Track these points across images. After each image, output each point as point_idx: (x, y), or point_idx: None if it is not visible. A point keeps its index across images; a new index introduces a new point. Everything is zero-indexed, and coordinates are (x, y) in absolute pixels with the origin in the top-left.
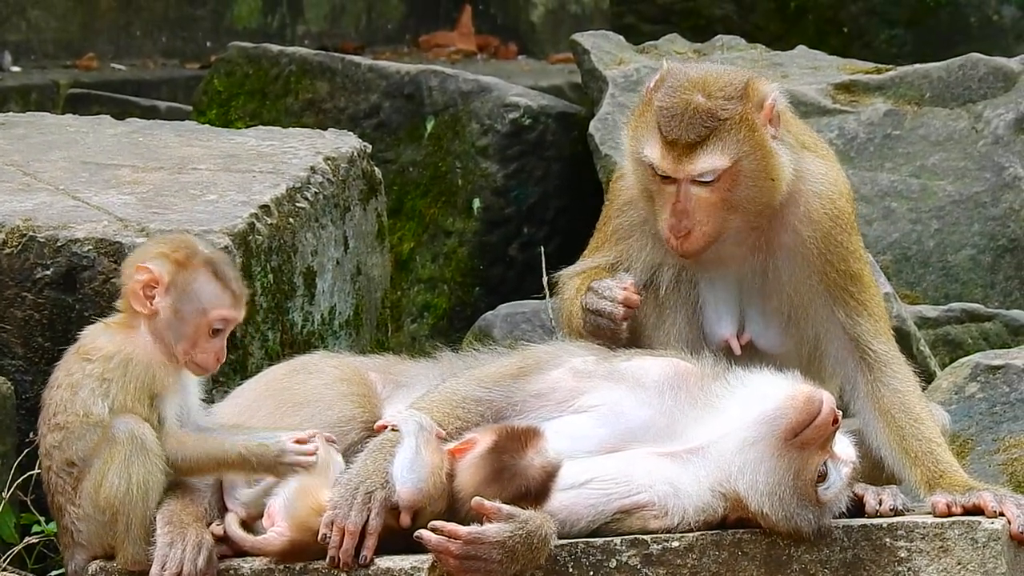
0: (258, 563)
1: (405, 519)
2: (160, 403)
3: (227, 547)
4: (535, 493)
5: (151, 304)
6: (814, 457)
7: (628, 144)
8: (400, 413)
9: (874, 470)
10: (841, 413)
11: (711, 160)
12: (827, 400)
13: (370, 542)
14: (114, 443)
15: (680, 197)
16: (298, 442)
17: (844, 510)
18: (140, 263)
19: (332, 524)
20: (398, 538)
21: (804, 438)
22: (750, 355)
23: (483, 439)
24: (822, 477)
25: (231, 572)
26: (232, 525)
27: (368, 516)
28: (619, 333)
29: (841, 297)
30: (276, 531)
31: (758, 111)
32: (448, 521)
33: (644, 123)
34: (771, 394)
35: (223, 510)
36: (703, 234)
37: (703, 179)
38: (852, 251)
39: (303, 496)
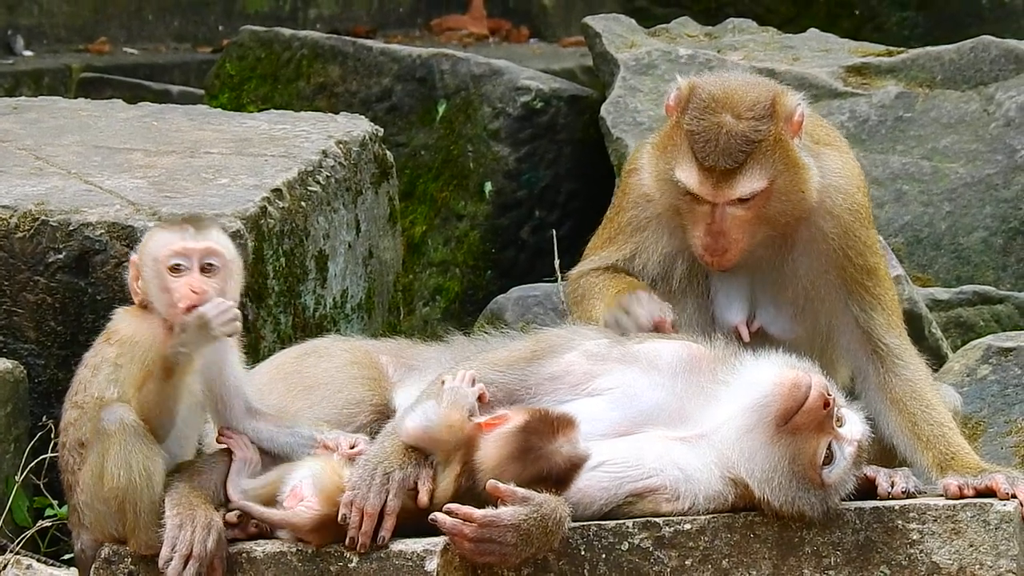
0: (271, 547)
1: (423, 495)
2: None
3: (238, 531)
4: (556, 479)
5: (138, 291)
6: (811, 441)
7: (655, 162)
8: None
9: (886, 455)
10: (834, 397)
11: (749, 184)
12: (816, 384)
13: (388, 523)
14: (106, 435)
15: (715, 218)
16: None
17: (851, 491)
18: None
19: (352, 504)
20: (414, 519)
21: (795, 424)
22: (763, 341)
23: (515, 416)
24: (827, 459)
25: (243, 556)
26: (251, 504)
27: (386, 497)
28: None
29: (856, 291)
30: (306, 505)
31: (787, 126)
32: (469, 495)
33: (674, 144)
34: (761, 380)
35: (227, 498)
36: (738, 250)
37: (740, 199)
38: (869, 245)
39: (330, 473)
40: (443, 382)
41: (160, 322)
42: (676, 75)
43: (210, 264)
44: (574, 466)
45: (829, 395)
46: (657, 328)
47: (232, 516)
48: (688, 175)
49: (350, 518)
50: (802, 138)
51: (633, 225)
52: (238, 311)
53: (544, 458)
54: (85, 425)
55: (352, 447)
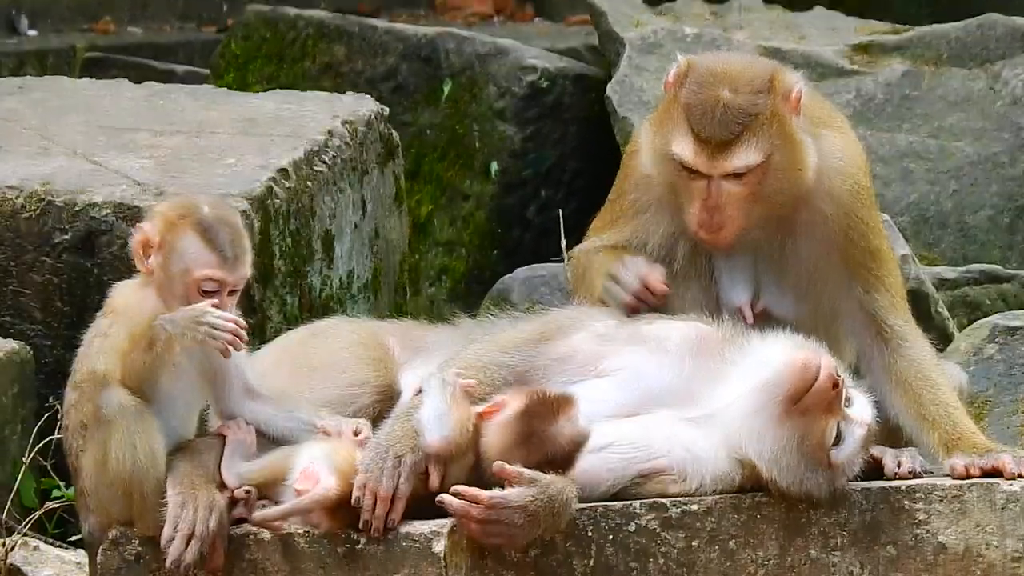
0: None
1: (434, 479)
2: None
3: (244, 510)
4: (560, 461)
5: (147, 263)
6: (819, 422)
7: (652, 138)
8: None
9: (891, 436)
10: (843, 378)
11: (744, 157)
12: (825, 365)
13: (398, 506)
14: (107, 422)
15: (711, 193)
16: None
17: (859, 472)
18: (142, 223)
19: (365, 487)
20: (421, 502)
21: (804, 405)
22: (768, 322)
23: (513, 402)
24: (835, 440)
25: (250, 538)
26: (268, 512)
27: (398, 481)
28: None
29: (860, 273)
30: (325, 486)
31: (785, 103)
32: (477, 479)
33: (671, 118)
34: (770, 361)
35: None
36: (734, 227)
37: (735, 174)
38: (872, 227)
39: (344, 453)
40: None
41: (154, 296)
42: (680, 54)
43: (236, 289)
44: (577, 445)
45: (838, 376)
46: (647, 288)
47: (240, 492)
48: (684, 147)
49: (363, 501)
50: (800, 117)
51: (635, 208)
52: (244, 332)
53: (547, 441)
54: (85, 406)
55: (356, 433)
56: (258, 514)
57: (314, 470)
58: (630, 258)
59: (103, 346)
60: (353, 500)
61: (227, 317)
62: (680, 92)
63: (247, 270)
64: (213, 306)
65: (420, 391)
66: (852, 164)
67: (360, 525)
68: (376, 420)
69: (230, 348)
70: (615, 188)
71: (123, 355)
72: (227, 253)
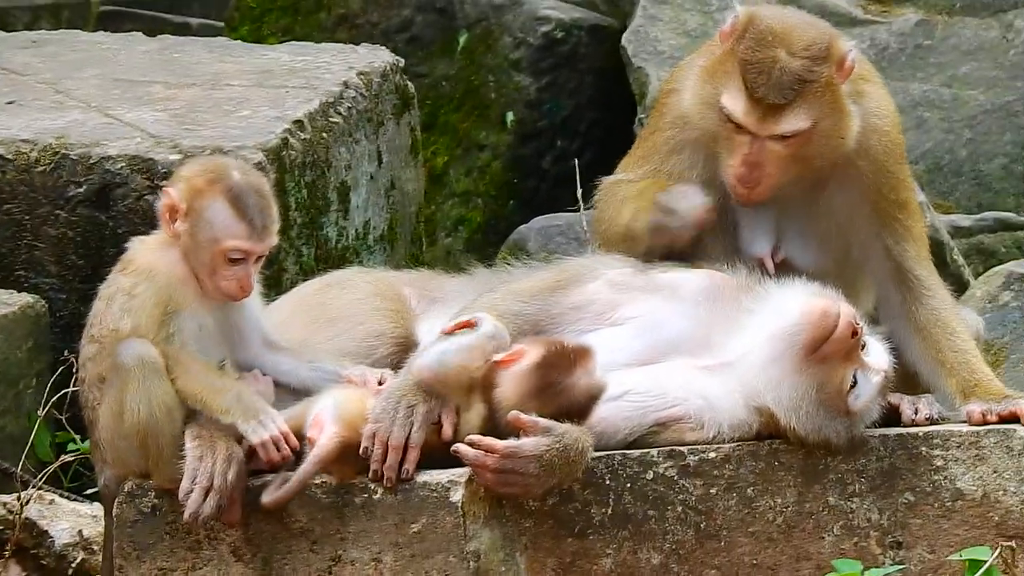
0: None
1: (447, 429)
2: (175, 319)
3: (262, 462)
4: (576, 412)
5: (173, 228)
6: (838, 369)
7: (700, 84)
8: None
9: (909, 383)
10: (863, 325)
11: (794, 122)
12: (844, 313)
13: (412, 456)
14: (124, 371)
15: (753, 150)
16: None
17: (876, 419)
18: (168, 186)
19: (375, 437)
20: (436, 453)
21: (823, 352)
22: (787, 271)
23: (531, 352)
24: (851, 387)
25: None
26: (274, 495)
27: (410, 430)
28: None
29: (889, 224)
30: (328, 434)
31: (838, 71)
32: (492, 430)
33: (724, 70)
34: (788, 309)
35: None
36: (769, 186)
37: (782, 136)
38: (903, 180)
39: (355, 401)
40: (468, 324)
41: (179, 257)
42: (697, 6)
43: (263, 256)
44: (592, 397)
45: (857, 324)
46: (701, 227)
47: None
48: (735, 103)
49: (372, 450)
50: (846, 84)
51: (669, 146)
52: (286, 452)
53: (563, 392)
54: (104, 360)
55: (380, 383)
56: (267, 498)
57: (321, 417)
58: (681, 186)
59: (129, 306)
60: (361, 450)
61: (281, 429)
62: (737, 46)
63: (275, 238)
64: (239, 282)
65: (469, 323)
66: (888, 121)
67: (369, 475)
68: (394, 371)
69: (265, 450)
70: (649, 124)
71: (156, 323)
72: (256, 223)
